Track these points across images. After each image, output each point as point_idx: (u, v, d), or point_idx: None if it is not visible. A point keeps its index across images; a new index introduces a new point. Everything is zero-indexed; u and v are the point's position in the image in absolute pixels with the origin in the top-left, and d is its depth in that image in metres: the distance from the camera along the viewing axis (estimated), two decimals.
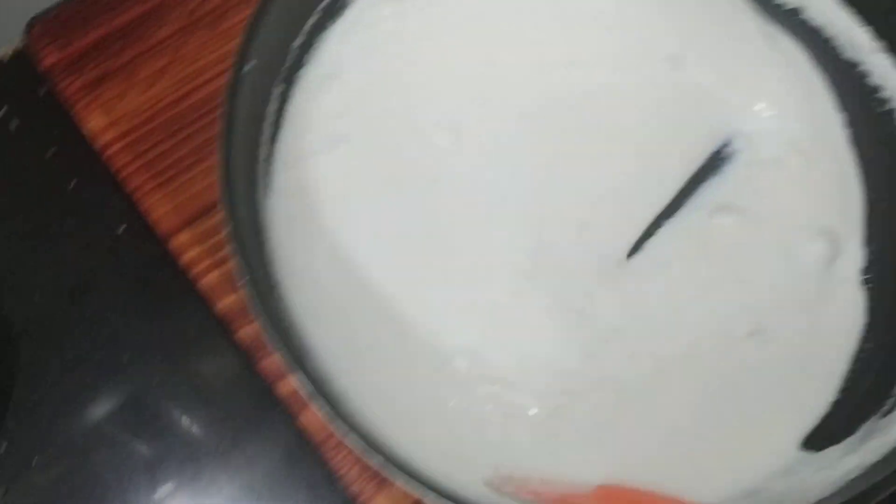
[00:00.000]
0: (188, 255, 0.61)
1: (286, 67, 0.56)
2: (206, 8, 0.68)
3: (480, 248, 0.55)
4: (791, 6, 0.62)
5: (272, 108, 0.55)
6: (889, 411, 0.51)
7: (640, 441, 0.52)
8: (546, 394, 0.53)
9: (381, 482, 0.56)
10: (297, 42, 0.57)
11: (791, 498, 0.48)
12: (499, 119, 0.57)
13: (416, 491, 0.42)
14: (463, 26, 0.59)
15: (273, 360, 0.58)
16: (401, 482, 0.42)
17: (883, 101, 0.59)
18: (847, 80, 0.60)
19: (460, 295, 0.54)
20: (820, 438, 0.53)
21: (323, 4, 0.58)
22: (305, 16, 0.57)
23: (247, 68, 0.49)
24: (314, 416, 0.57)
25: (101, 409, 0.60)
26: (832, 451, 0.51)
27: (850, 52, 0.60)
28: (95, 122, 0.65)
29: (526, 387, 0.53)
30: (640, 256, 0.56)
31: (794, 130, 0.59)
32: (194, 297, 0.61)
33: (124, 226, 0.64)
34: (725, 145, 0.59)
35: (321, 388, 0.44)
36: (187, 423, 0.60)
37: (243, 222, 0.47)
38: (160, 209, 0.63)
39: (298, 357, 0.44)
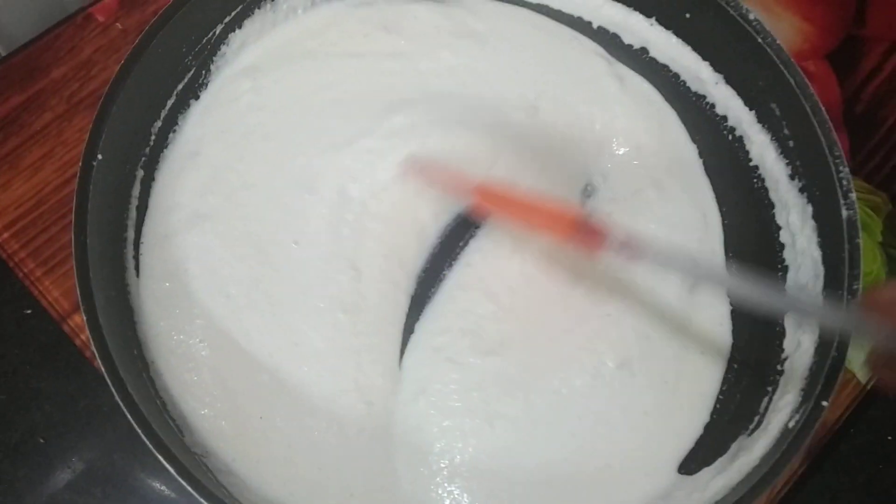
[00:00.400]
0: (82, 337, 0.62)
1: (148, 150, 0.58)
2: (84, 91, 0.70)
3: (350, 301, 0.56)
4: (638, 46, 0.65)
5: (135, 191, 0.57)
6: (755, 429, 0.53)
7: (520, 473, 0.53)
8: None
9: None
10: (158, 125, 0.58)
11: None
12: (359, 179, 0.59)
13: None
14: (318, 94, 0.61)
15: None
16: None
17: (731, 129, 0.62)
18: (696, 113, 0.63)
19: (334, 344, 0.55)
20: (695, 461, 0.55)
21: (180, 87, 0.59)
22: (163, 99, 0.58)
23: (98, 160, 0.51)
24: None
25: (22, 496, 0.60)
26: (705, 473, 0.53)
27: (696, 86, 0.63)
28: None
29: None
30: (516, 297, 0.58)
31: (650, 165, 0.62)
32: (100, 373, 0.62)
33: (30, 310, 0.64)
34: (587, 185, 0.61)
35: (183, 472, 0.45)
36: (110, 498, 0.60)
37: (103, 315, 0.48)
38: (52, 293, 0.63)
39: (162, 445, 0.45)
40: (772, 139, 0.59)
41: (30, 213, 0.66)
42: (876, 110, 0.71)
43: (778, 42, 0.56)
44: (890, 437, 0.66)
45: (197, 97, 0.61)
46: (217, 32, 0.61)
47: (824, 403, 0.48)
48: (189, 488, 0.44)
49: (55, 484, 0.60)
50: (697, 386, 0.56)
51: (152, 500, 0.59)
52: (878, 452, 0.66)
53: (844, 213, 0.52)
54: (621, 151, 0.62)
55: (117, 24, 0.72)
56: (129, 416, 0.46)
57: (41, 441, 0.61)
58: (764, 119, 0.59)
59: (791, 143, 0.57)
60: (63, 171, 0.67)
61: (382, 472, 0.52)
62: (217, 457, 0.51)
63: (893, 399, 0.65)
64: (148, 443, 0.45)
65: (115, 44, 0.72)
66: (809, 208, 0.56)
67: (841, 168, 0.53)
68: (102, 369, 0.47)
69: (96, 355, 0.47)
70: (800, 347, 0.53)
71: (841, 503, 0.65)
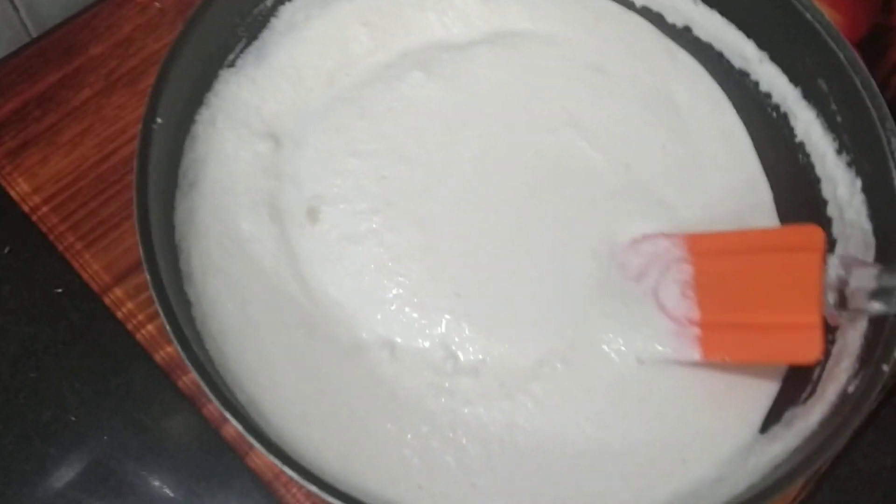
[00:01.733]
0: (123, 310, 0.62)
1: None
2: (123, 69, 0.70)
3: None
4: (681, 25, 0.65)
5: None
6: (808, 397, 0.53)
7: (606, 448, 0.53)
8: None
9: None
10: (210, 95, 0.59)
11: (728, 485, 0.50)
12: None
13: None
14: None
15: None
16: None
17: (775, 106, 0.62)
18: (740, 90, 0.64)
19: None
20: None
21: (231, 57, 0.60)
22: (215, 68, 0.59)
23: (157, 124, 0.51)
24: (261, 456, 0.58)
25: (53, 473, 0.59)
26: (760, 440, 0.53)
27: (739, 64, 0.64)
28: (20, 188, 0.65)
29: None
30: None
31: (704, 139, 0.63)
32: (136, 350, 0.61)
33: (61, 288, 0.64)
34: None
35: (258, 433, 0.45)
36: (142, 476, 0.59)
37: (166, 276, 0.48)
38: (92, 267, 0.63)
39: (232, 404, 0.45)
40: (818, 115, 0.59)
41: (69, 187, 0.66)
42: None
43: (827, 19, 0.57)
44: None
45: None
46: (269, 4, 0.61)
47: (885, 367, 0.48)
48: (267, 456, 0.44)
49: (86, 461, 0.59)
50: None
51: (176, 479, 0.59)
52: None
53: None
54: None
55: (156, 3, 0.72)
56: (199, 379, 0.45)
57: (72, 419, 0.60)
58: (810, 95, 0.60)
59: (839, 119, 0.58)
60: (102, 146, 0.67)
61: None
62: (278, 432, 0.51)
63: None
64: (220, 409, 0.45)
65: (154, 22, 0.72)
66: (858, 181, 0.56)
67: (893, 140, 0.53)
68: (168, 330, 0.46)
69: (162, 317, 0.46)
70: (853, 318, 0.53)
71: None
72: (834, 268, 0.50)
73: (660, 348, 0.54)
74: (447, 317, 0.55)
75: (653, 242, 0.56)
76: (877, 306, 0.48)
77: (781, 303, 0.51)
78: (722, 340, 0.53)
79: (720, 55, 0.65)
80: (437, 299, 0.55)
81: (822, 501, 0.62)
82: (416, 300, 0.55)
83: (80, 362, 0.62)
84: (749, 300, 0.53)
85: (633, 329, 0.55)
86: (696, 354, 0.53)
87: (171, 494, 0.59)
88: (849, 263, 0.50)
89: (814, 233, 0.51)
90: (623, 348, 0.54)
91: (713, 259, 0.54)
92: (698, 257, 0.54)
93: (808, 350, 0.51)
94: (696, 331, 0.53)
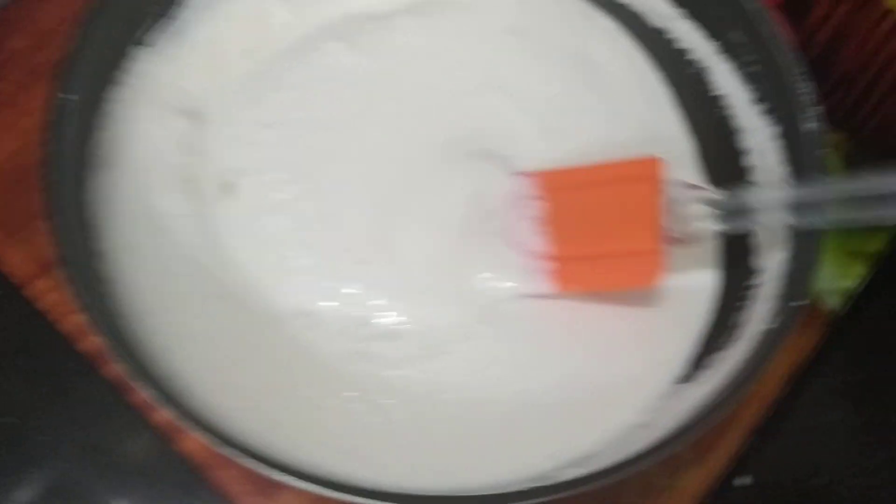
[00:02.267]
0: (46, 301, 0.61)
1: None
2: (46, 62, 0.68)
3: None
4: None
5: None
6: (732, 342, 0.53)
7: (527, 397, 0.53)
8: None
9: (270, 494, 0.56)
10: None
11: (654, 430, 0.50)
12: None
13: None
14: None
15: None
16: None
17: (692, 62, 0.63)
18: (657, 48, 0.65)
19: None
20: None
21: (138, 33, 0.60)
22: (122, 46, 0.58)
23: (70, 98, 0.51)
24: (193, 442, 0.57)
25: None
26: (685, 388, 0.54)
27: (657, 22, 0.64)
28: None
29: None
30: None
31: (626, 98, 0.63)
32: (66, 346, 0.60)
33: None
34: None
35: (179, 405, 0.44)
36: (79, 472, 0.59)
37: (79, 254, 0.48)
38: (13, 258, 0.62)
39: (150, 378, 0.45)
40: (734, 68, 0.60)
41: None
42: (829, 54, 0.72)
43: None
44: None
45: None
46: None
47: (798, 303, 0.49)
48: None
49: (37, 462, 0.59)
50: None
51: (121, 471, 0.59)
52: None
53: (806, 126, 0.53)
54: None
55: None
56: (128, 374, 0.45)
57: (10, 420, 0.60)
58: (725, 49, 0.60)
59: (753, 69, 0.59)
60: (24, 137, 0.66)
61: None
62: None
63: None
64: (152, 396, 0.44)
65: (77, 15, 0.71)
66: (775, 129, 0.57)
67: (801, 84, 0.54)
68: (80, 307, 0.46)
69: (73, 294, 0.46)
70: (771, 256, 0.54)
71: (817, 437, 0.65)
72: (675, 193, 0.51)
73: (516, 285, 0.55)
74: (355, 284, 0.55)
75: (508, 182, 0.57)
76: (788, 219, 0.50)
77: (624, 232, 0.53)
78: (575, 273, 0.54)
79: (636, 15, 0.65)
80: (344, 267, 0.55)
81: (766, 457, 0.63)
82: (325, 269, 0.55)
83: (13, 364, 0.62)
84: (597, 231, 0.54)
85: (490, 269, 0.55)
86: (551, 288, 0.55)
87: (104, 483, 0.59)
88: (688, 188, 0.52)
89: (650, 163, 0.53)
90: (486, 288, 0.55)
91: (565, 193, 0.55)
92: (552, 192, 0.55)
93: (648, 275, 0.52)
94: (551, 265, 0.54)
